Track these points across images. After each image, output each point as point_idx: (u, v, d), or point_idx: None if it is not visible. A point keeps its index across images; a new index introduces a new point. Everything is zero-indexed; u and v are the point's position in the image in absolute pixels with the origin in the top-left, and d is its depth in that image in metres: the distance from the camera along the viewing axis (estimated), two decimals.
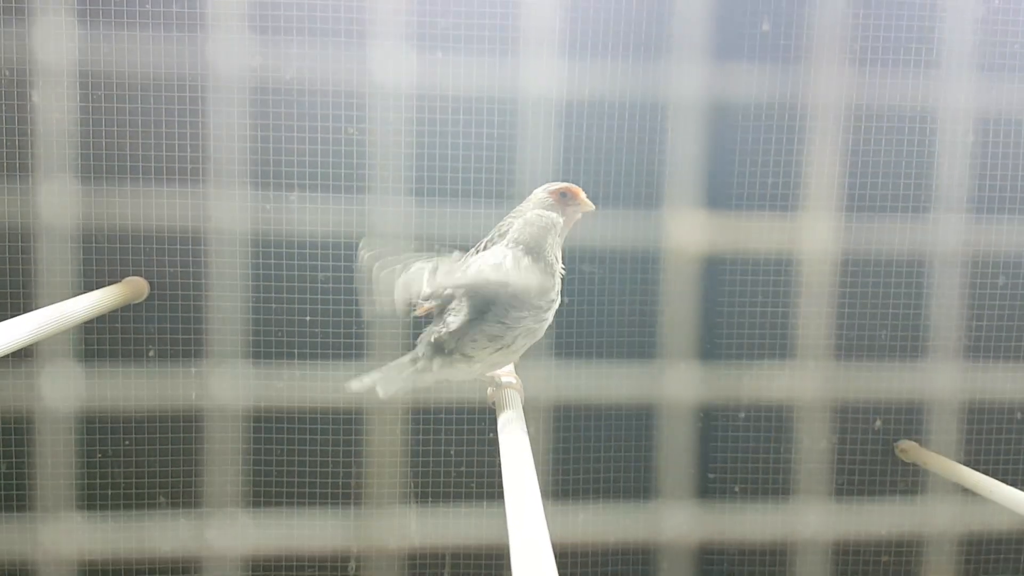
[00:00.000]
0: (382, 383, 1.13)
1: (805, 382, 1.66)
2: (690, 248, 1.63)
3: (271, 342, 1.72)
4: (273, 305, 1.71)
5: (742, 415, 1.83)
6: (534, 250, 1.16)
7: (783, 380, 1.76)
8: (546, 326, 1.17)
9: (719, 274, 1.80)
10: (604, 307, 1.79)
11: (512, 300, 1.12)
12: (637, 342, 1.80)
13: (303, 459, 1.75)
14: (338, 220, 1.67)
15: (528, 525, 0.79)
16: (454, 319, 1.14)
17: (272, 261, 1.71)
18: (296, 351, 1.72)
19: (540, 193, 1.26)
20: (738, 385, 1.80)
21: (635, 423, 1.82)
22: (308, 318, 1.72)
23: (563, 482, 1.80)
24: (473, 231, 1.48)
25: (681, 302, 1.69)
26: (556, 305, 1.17)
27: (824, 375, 1.64)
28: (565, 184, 1.26)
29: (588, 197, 1.22)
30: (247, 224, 1.61)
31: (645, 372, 1.68)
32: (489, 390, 1.23)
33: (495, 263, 1.12)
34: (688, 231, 1.61)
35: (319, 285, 1.72)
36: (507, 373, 1.26)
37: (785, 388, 1.75)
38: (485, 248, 1.27)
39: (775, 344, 1.81)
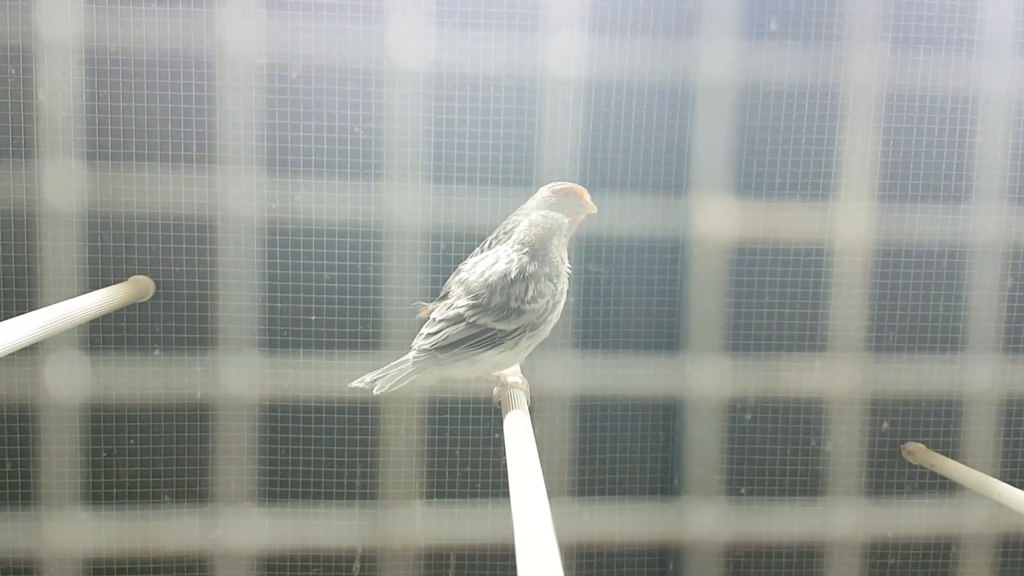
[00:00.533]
0: (382, 381, 1.14)
1: (833, 377, 1.61)
2: (717, 236, 1.60)
3: (277, 331, 1.68)
4: (279, 294, 1.68)
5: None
6: (539, 251, 1.18)
7: (808, 374, 1.71)
8: (551, 327, 1.19)
9: (747, 264, 1.74)
10: (626, 298, 1.74)
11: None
12: (662, 333, 1.75)
13: (307, 452, 1.72)
14: (347, 208, 1.63)
15: (533, 525, 0.80)
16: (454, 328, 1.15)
17: (278, 250, 1.67)
18: (302, 342, 1.69)
19: (544, 192, 1.31)
20: (760, 379, 1.74)
21: (657, 416, 1.77)
22: (314, 307, 1.69)
23: (583, 475, 1.76)
24: (492, 219, 1.45)
25: (708, 292, 1.65)
26: (561, 305, 1.19)
27: (853, 370, 1.59)
28: (570, 184, 1.31)
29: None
30: (254, 212, 1.58)
31: (669, 365, 1.64)
32: (495, 390, 1.24)
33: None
34: (716, 218, 1.58)
35: (324, 275, 1.68)
36: (513, 373, 1.27)
37: (811, 382, 1.70)
38: (490, 247, 1.27)
39: (803, 336, 1.74)
